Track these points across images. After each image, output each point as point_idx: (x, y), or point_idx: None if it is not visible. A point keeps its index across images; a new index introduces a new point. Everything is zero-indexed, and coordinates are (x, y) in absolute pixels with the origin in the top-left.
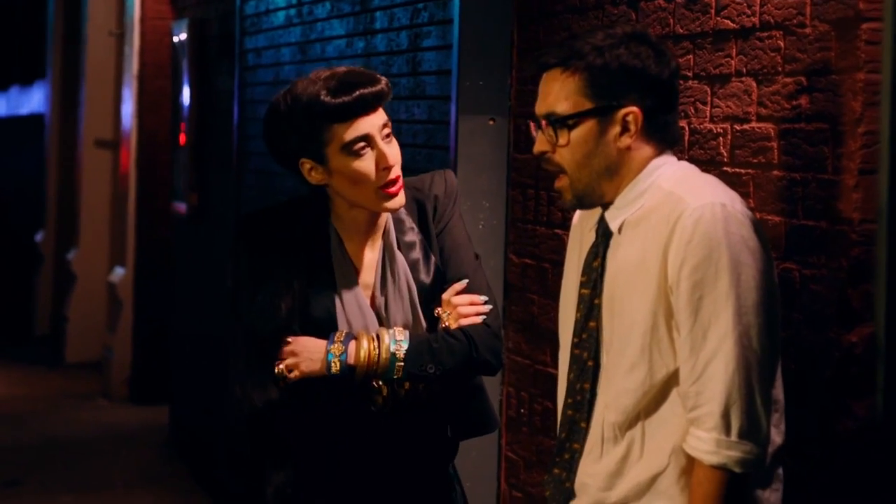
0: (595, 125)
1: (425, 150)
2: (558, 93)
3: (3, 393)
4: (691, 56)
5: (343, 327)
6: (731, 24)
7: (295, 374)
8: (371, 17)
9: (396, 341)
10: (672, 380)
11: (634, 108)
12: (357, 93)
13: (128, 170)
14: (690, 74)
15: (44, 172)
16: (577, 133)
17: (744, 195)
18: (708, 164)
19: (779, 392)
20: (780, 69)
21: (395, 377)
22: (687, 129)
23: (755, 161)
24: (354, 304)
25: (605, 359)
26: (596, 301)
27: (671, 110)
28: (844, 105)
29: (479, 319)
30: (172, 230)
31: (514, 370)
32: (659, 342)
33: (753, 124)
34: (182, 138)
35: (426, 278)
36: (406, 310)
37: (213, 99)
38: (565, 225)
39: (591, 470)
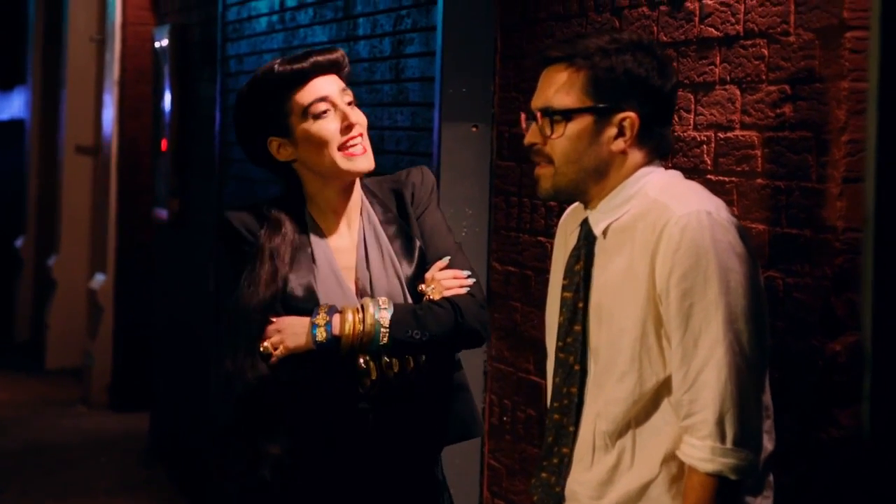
0: (592, 124)
1: (408, 157)
2: (559, 87)
3: None
4: (675, 64)
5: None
6: (716, 32)
7: (280, 350)
8: (354, 24)
9: (381, 309)
10: (662, 388)
11: (632, 114)
12: (311, 59)
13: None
14: None
15: (24, 178)
16: (573, 129)
17: (728, 203)
18: (692, 172)
19: (768, 398)
20: (764, 77)
21: (381, 344)
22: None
23: (739, 169)
24: (336, 285)
25: (594, 366)
26: (580, 305)
27: (667, 122)
28: (829, 113)
29: (464, 291)
30: (153, 236)
31: (497, 378)
32: (648, 351)
33: (737, 132)
34: (164, 144)
35: (409, 262)
36: (392, 286)
37: (194, 105)
38: (549, 232)
39: (582, 478)
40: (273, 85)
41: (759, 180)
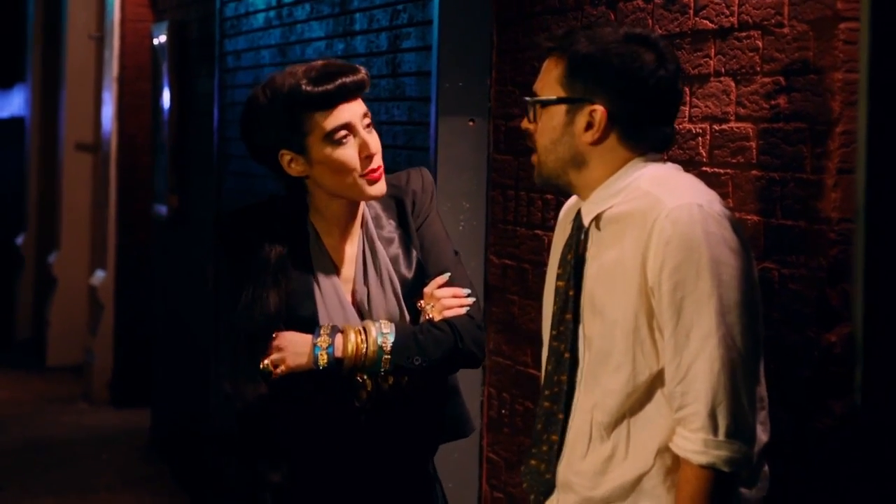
0: (564, 114)
1: (405, 151)
2: (545, 77)
3: None
4: None
5: (324, 322)
6: (710, 25)
7: (282, 368)
8: (350, 19)
9: (383, 334)
10: (656, 380)
11: (600, 107)
12: (339, 81)
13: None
14: None
15: (25, 176)
16: (547, 118)
17: (723, 195)
18: (687, 164)
19: (763, 390)
20: (758, 69)
21: (382, 370)
22: None
23: (734, 161)
24: (335, 298)
25: (587, 355)
26: (571, 293)
27: (655, 117)
28: (823, 105)
29: (463, 311)
30: (153, 233)
31: (495, 371)
32: (642, 343)
33: (732, 124)
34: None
35: (408, 272)
36: (389, 302)
37: (193, 101)
38: (545, 226)
39: (576, 468)
40: (295, 103)
41: (753, 172)
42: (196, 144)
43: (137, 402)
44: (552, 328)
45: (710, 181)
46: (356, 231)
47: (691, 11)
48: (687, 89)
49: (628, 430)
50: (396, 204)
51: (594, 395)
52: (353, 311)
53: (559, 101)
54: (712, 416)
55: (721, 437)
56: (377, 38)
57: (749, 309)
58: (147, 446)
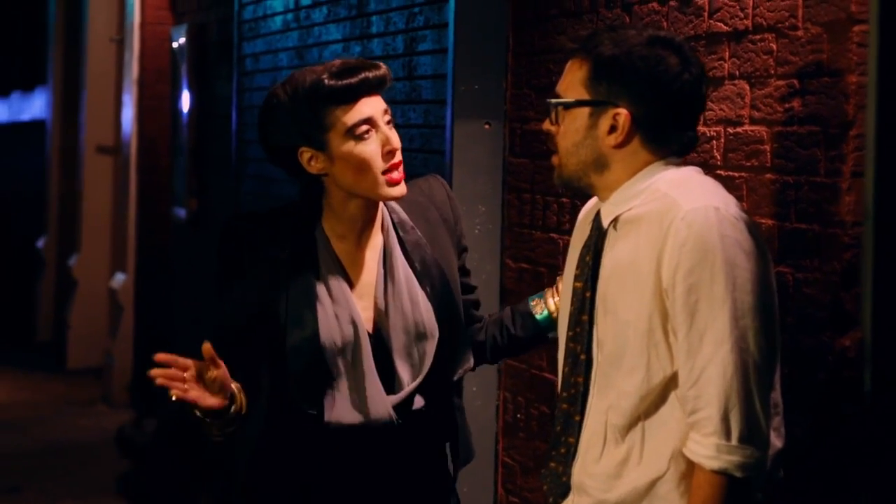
0: (587, 117)
1: (421, 154)
2: (569, 78)
3: (5, 399)
4: None
5: (325, 332)
6: (724, 27)
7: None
8: (367, 22)
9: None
10: (671, 383)
11: (623, 111)
12: (361, 75)
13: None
14: None
15: (45, 178)
16: (570, 120)
17: (737, 198)
18: (701, 167)
19: (777, 395)
20: (772, 72)
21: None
22: None
23: (748, 164)
24: (345, 310)
25: (599, 356)
26: (587, 294)
27: (679, 120)
28: (837, 107)
29: None
30: (172, 236)
31: (511, 375)
32: (656, 345)
33: (746, 127)
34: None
35: (431, 284)
36: (406, 311)
37: (212, 104)
38: (561, 229)
39: (591, 470)
40: (318, 97)
41: (768, 175)
42: (215, 147)
43: (157, 405)
44: (569, 329)
45: (725, 184)
46: (376, 236)
47: (706, 14)
48: None
49: (643, 433)
50: (424, 208)
51: (609, 397)
52: (359, 317)
53: (582, 103)
54: (725, 421)
55: (734, 441)
56: (393, 40)
57: (764, 313)
58: None
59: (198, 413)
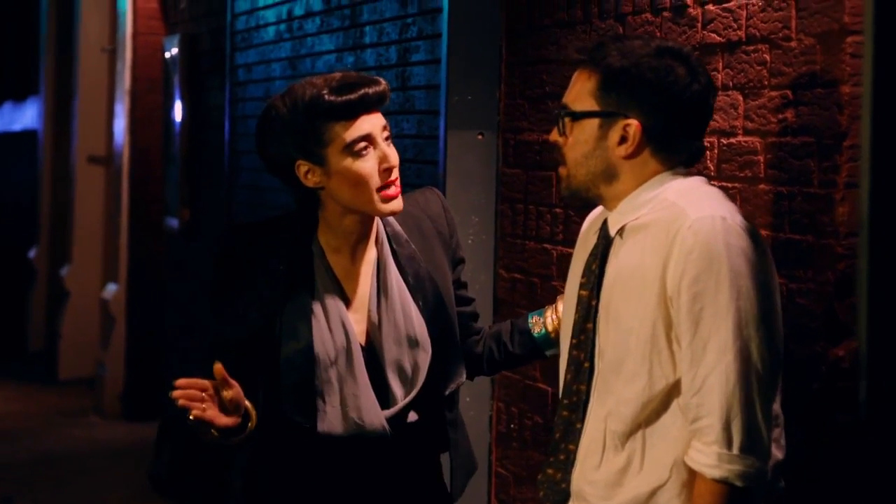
0: (597, 128)
1: (414, 164)
2: (576, 89)
3: None
4: None
5: (319, 344)
6: (718, 38)
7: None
8: (360, 32)
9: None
10: (673, 391)
11: (634, 122)
12: (361, 91)
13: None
14: None
15: (37, 188)
16: (580, 131)
17: None
18: None
19: (778, 407)
20: (766, 83)
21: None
22: None
23: (742, 175)
24: (338, 323)
25: (600, 364)
26: (593, 303)
27: (687, 131)
28: (830, 118)
29: None
30: (165, 246)
31: (505, 385)
32: (659, 353)
33: (740, 138)
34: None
35: (424, 298)
36: (399, 325)
37: (204, 114)
38: (554, 239)
39: (591, 477)
40: (317, 112)
41: (761, 186)
42: (207, 157)
43: (149, 416)
44: (572, 337)
45: None
46: (370, 249)
47: (699, 25)
48: None
49: (643, 440)
50: (419, 221)
51: (608, 404)
52: (353, 331)
53: (592, 114)
54: (727, 430)
55: (735, 451)
56: (387, 51)
57: (767, 323)
58: None
59: (214, 432)
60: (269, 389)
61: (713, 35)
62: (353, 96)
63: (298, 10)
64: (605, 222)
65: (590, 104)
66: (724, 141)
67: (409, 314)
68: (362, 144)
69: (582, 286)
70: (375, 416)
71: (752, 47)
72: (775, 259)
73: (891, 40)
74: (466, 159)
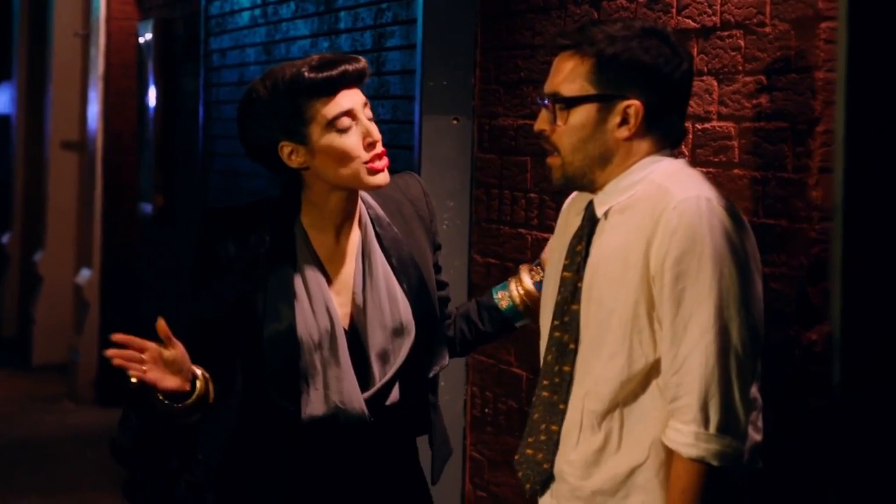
0: (595, 112)
1: (390, 150)
2: (567, 75)
3: None
4: None
5: (302, 327)
6: (693, 24)
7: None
8: (335, 18)
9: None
10: (652, 371)
11: (636, 102)
12: (341, 67)
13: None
14: None
15: (10, 174)
16: (577, 117)
17: None
18: None
19: (755, 390)
20: (740, 68)
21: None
22: None
23: (716, 160)
24: (321, 305)
25: (581, 343)
26: (579, 284)
27: (677, 110)
28: (804, 104)
29: None
30: (139, 231)
31: (479, 370)
32: (640, 332)
33: (714, 123)
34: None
35: (408, 279)
36: (384, 308)
37: (178, 100)
38: (529, 224)
39: (569, 457)
40: (298, 90)
41: (736, 171)
42: (181, 143)
43: (123, 401)
44: (554, 318)
45: None
46: (353, 231)
47: (674, 10)
48: None
49: (621, 420)
50: (400, 204)
51: (586, 384)
52: (339, 323)
53: (591, 98)
54: (704, 410)
55: (712, 430)
56: (361, 36)
57: (748, 305)
58: None
59: (160, 396)
60: (250, 371)
61: (688, 20)
62: (333, 72)
63: None
64: (590, 203)
65: (585, 88)
66: (698, 126)
67: (394, 297)
68: (345, 120)
69: (565, 268)
70: (356, 399)
71: (726, 33)
72: None
73: (864, 26)
74: (441, 144)
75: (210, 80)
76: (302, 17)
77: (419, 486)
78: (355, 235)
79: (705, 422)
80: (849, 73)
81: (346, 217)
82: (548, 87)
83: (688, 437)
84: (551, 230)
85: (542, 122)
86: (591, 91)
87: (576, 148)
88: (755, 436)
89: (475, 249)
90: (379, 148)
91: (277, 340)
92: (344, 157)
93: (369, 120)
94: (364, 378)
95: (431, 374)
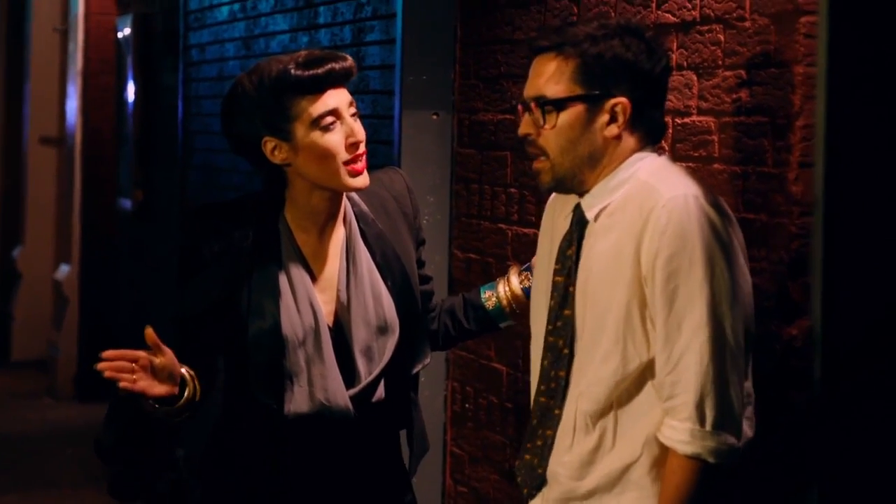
0: (584, 112)
1: (369, 145)
2: (550, 77)
3: None
4: None
5: (287, 325)
6: (672, 18)
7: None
8: (314, 12)
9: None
10: (646, 371)
11: (623, 99)
12: (328, 66)
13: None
14: None
15: None
16: (565, 118)
17: None
18: None
19: (749, 385)
20: (720, 63)
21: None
22: None
23: (696, 154)
24: (306, 303)
25: (577, 347)
26: (571, 289)
27: (658, 105)
28: (784, 98)
29: None
30: (118, 227)
31: (459, 365)
32: (633, 332)
33: (694, 117)
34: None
35: (392, 276)
36: (368, 305)
37: (157, 95)
38: (509, 219)
39: (563, 459)
40: (284, 87)
41: (716, 165)
42: (160, 138)
43: (102, 397)
44: (549, 323)
45: None
46: (338, 228)
47: (654, 5)
48: None
49: (615, 420)
50: (384, 200)
51: (580, 386)
52: (321, 310)
53: (578, 98)
54: (700, 407)
55: (708, 427)
56: (341, 31)
57: (740, 301)
58: None
59: (150, 402)
60: (234, 369)
61: (668, 15)
62: (319, 70)
63: None
64: (577, 206)
65: (572, 89)
66: (678, 121)
67: (378, 294)
68: (329, 119)
69: (557, 272)
70: (341, 396)
71: (706, 27)
72: None
73: (844, 20)
74: (421, 139)
75: (189, 76)
76: (281, 11)
77: (401, 481)
78: (339, 232)
79: (701, 419)
80: (829, 67)
81: (329, 215)
82: (530, 91)
83: (684, 434)
84: (532, 225)
85: (526, 126)
86: (578, 91)
87: (565, 149)
88: (748, 431)
89: (455, 244)
90: (361, 149)
91: (262, 338)
92: (325, 156)
93: (354, 118)
94: (349, 375)
95: (414, 371)
